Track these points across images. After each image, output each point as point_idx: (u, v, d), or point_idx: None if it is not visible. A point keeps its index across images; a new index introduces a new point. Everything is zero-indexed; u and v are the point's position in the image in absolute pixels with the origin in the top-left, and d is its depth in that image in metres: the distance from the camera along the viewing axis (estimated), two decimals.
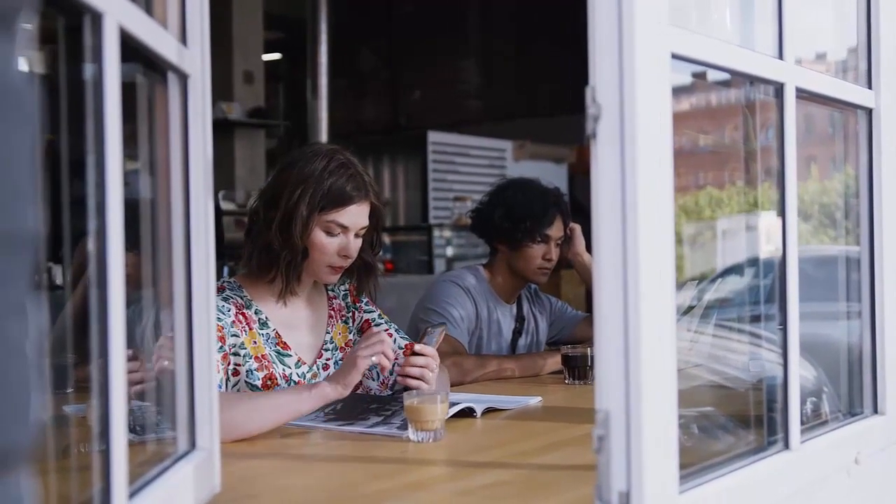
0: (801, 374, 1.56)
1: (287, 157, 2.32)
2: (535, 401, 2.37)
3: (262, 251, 2.23)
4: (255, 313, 2.26)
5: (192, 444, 1.37)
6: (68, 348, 1.59)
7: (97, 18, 0.99)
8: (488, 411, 2.20)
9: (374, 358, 2.00)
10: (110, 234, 1.00)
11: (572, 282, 6.65)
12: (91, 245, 1.00)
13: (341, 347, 2.39)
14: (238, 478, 1.60)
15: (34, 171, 0.60)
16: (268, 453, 1.85)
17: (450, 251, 7.27)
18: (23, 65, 0.60)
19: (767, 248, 1.88)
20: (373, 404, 2.16)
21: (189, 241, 1.36)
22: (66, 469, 1.17)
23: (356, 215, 2.23)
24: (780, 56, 1.52)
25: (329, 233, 2.22)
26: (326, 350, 2.37)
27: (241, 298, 2.25)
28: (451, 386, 2.63)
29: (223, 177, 7.50)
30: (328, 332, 2.38)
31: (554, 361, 2.83)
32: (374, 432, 1.94)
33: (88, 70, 1.01)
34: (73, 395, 1.45)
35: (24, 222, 0.59)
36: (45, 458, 1.00)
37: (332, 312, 2.41)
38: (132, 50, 1.11)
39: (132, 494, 1.08)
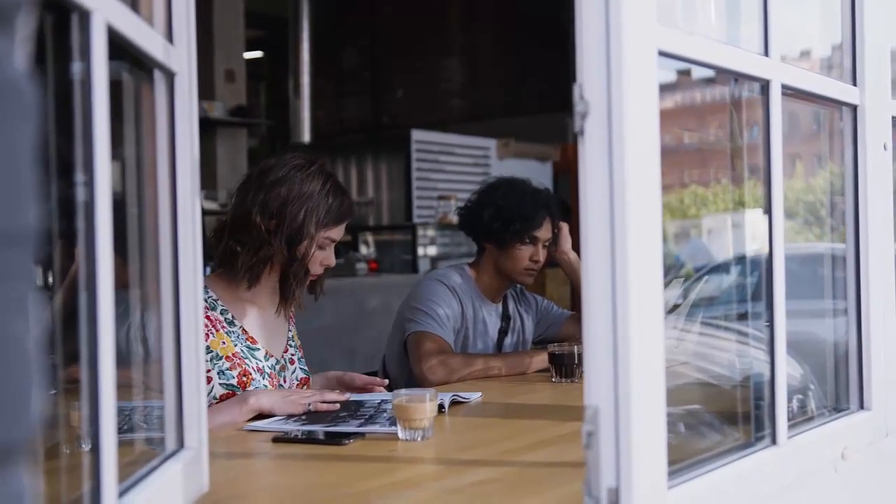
0: (787, 371, 1.57)
1: (271, 168, 2.30)
2: (475, 396, 2.39)
3: (262, 262, 2.27)
4: (221, 313, 2.27)
5: (181, 443, 1.36)
6: (52, 349, 1.58)
7: (85, 16, 0.98)
8: (453, 404, 2.24)
9: (311, 406, 2.13)
10: (99, 235, 0.99)
11: (556, 280, 6.66)
12: (79, 246, 0.99)
13: (299, 346, 2.48)
14: (226, 477, 1.59)
15: (34, 168, 0.60)
16: (255, 452, 1.85)
17: (434, 250, 7.26)
18: (22, 61, 0.60)
19: (753, 246, 1.88)
20: (343, 411, 2.14)
21: (176, 242, 1.35)
22: (52, 469, 1.16)
23: (343, 229, 2.36)
24: (766, 53, 1.52)
25: (321, 247, 2.31)
26: (291, 346, 2.44)
27: (206, 300, 2.24)
28: (438, 385, 2.64)
29: (205, 176, 7.44)
30: (290, 330, 2.47)
31: (540, 359, 2.84)
32: (366, 430, 1.93)
33: (76, 68, 1.00)
34: (57, 397, 1.44)
35: (26, 219, 0.59)
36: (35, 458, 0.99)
37: (291, 313, 2.48)
38: (118, 47, 1.10)
39: (121, 493, 1.08)
